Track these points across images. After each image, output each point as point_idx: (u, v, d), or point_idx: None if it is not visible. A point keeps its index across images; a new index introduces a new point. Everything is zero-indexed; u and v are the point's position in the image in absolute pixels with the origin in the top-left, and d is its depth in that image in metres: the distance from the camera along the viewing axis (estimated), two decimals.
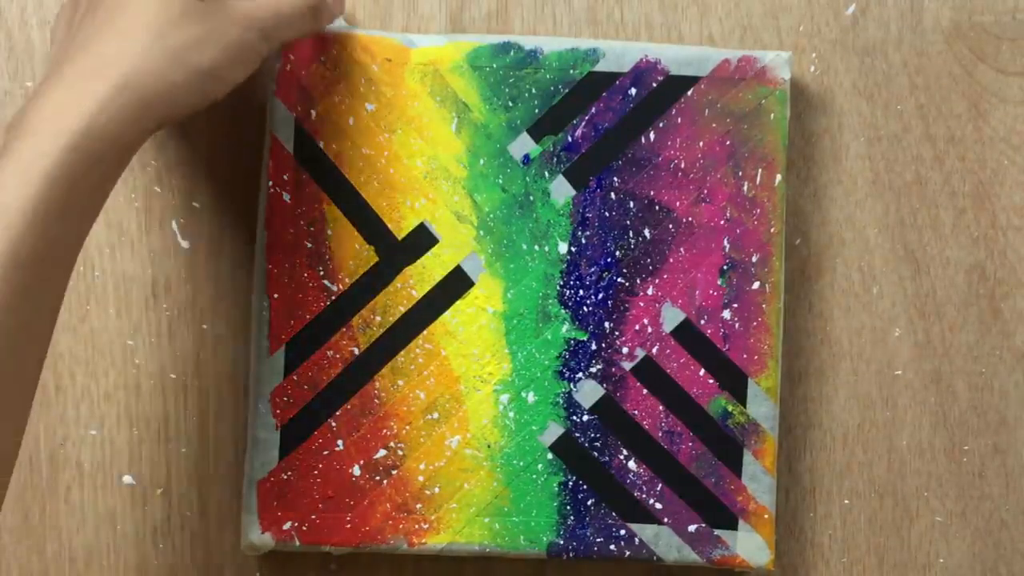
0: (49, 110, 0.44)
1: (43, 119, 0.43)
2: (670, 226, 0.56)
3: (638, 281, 0.55)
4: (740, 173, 0.56)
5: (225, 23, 0.48)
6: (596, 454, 0.55)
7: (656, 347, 0.55)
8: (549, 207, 0.55)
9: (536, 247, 0.55)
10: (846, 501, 0.58)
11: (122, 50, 0.46)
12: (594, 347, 0.55)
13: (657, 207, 0.56)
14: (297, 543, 0.54)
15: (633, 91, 0.56)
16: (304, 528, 0.54)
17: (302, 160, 0.55)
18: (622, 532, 0.55)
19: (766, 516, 0.55)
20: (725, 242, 0.55)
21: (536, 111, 0.55)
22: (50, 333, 0.46)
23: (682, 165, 0.56)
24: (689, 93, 0.56)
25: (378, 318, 0.55)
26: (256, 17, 0.49)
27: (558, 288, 0.55)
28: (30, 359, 0.44)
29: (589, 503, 0.55)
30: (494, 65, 0.56)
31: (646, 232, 0.56)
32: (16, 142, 0.43)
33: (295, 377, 0.55)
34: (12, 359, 0.43)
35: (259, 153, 0.56)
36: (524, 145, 0.55)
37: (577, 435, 0.55)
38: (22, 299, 0.42)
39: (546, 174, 0.56)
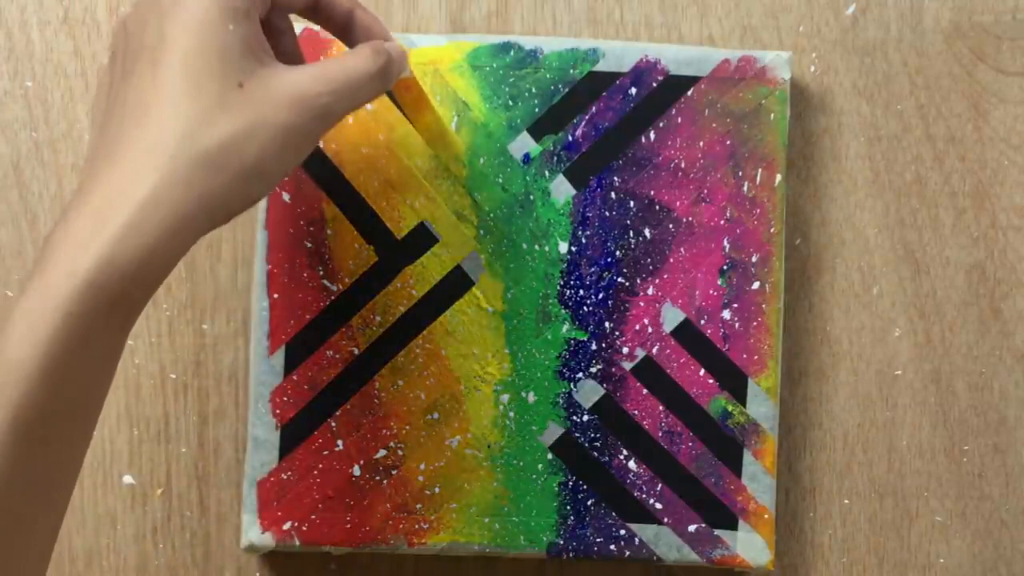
0: (72, 237, 0.38)
1: (64, 248, 0.38)
2: (670, 226, 0.56)
3: (638, 281, 0.55)
4: (740, 173, 0.56)
5: (270, 109, 0.40)
6: (596, 454, 0.55)
7: (656, 347, 0.55)
8: (549, 207, 0.55)
9: (536, 247, 0.55)
10: (846, 501, 0.58)
11: (147, 157, 0.39)
12: (594, 347, 0.55)
13: (657, 207, 0.56)
14: (297, 543, 0.54)
15: (633, 91, 0.56)
16: (304, 528, 0.54)
17: None
18: (622, 532, 0.55)
19: (766, 516, 0.55)
20: (725, 242, 0.55)
21: (536, 111, 0.55)
22: (66, 501, 0.39)
23: (682, 165, 0.55)
24: (689, 93, 0.56)
25: (378, 318, 0.55)
26: (309, 95, 0.41)
27: (558, 288, 0.55)
28: (40, 531, 0.38)
29: (589, 503, 0.55)
30: (494, 65, 0.56)
31: (646, 232, 0.56)
32: (33, 277, 0.38)
33: (295, 377, 0.55)
34: (19, 534, 0.37)
35: None
36: (524, 144, 0.55)
37: (577, 435, 0.55)
38: (30, 465, 0.37)
39: (546, 173, 0.55)
